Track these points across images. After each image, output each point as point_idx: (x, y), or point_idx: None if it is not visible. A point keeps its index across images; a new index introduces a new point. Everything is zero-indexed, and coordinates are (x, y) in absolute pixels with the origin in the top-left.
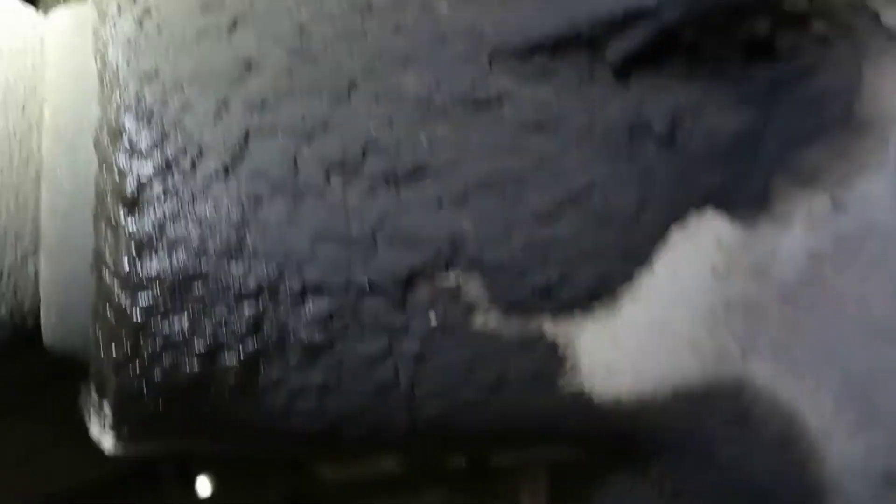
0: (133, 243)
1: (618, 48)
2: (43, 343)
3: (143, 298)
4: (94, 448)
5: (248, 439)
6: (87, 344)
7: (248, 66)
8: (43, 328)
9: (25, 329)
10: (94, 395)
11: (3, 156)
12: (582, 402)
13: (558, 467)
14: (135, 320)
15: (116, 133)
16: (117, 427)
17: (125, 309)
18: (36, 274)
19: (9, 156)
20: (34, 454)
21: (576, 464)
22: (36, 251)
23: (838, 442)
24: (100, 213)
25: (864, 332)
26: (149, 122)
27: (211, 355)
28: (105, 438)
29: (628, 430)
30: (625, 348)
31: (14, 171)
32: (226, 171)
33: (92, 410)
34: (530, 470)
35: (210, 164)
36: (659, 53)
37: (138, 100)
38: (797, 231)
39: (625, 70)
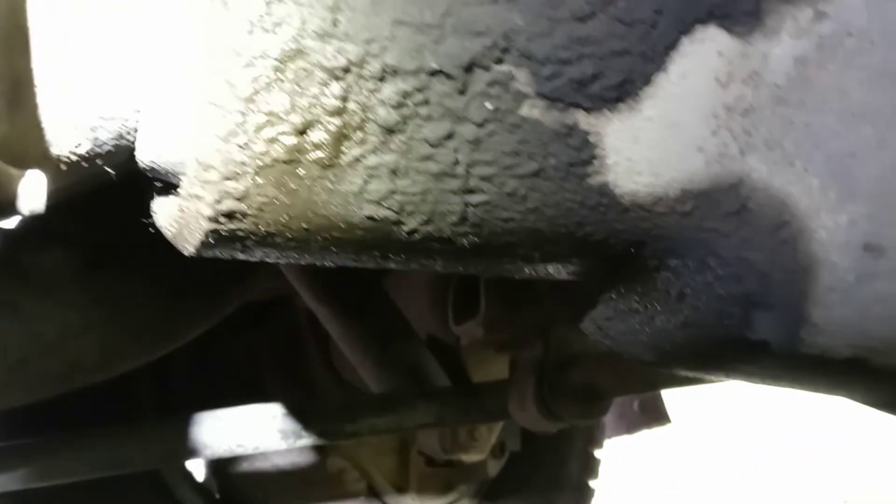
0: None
1: None
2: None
3: (251, 71)
4: (120, 339)
5: (324, 228)
6: (186, 138)
7: None
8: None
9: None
10: (189, 182)
11: None
12: (607, 193)
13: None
14: (243, 93)
15: None
16: (214, 208)
17: (235, 84)
18: None
19: None
20: (65, 339)
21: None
22: None
23: (824, 217)
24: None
25: (844, 117)
26: None
27: (304, 130)
28: (197, 232)
29: (642, 232)
30: (643, 145)
31: None
32: None
33: (179, 206)
34: (518, 379)
35: None
36: None
37: None
38: (785, 40)
39: None
